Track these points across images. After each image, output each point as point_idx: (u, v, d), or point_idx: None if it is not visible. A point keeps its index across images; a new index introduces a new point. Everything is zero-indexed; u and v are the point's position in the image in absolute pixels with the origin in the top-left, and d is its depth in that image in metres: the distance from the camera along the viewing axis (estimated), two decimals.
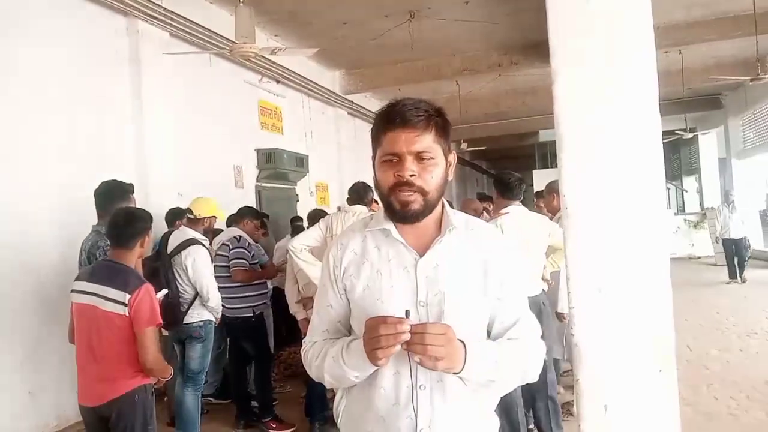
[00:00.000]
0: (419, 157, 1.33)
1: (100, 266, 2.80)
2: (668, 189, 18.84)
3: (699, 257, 15.11)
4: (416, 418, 1.35)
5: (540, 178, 15.01)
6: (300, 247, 4.12)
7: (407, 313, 1.29)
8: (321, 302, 1.51)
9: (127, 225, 2.77)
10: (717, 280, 11.06)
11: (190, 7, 6.27)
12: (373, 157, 1.42)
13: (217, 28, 6.47)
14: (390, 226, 1.41)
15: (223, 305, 4.36)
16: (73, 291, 2.75)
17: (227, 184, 7.38)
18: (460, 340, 1.28)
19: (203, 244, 4.25)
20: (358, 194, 4.35)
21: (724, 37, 8.80)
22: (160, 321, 2.73)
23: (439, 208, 1.43)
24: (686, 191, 19.37)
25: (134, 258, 2.80)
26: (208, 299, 4.13)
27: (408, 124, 1.32)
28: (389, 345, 1.24)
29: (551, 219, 4.58)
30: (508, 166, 22.67)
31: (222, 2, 6.76)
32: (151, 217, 2.90)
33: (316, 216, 5.14)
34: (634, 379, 2.00)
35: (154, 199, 5.76)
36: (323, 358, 1.44)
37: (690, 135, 12.92)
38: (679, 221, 16.04)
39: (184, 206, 5.50)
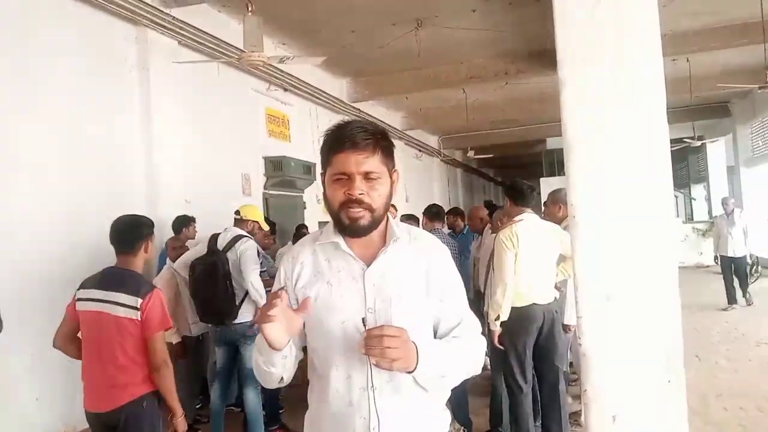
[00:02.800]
0: (367, 177, 1.44)
1: (108, 273, 2.79)
2: (676, 197, 18.74)
3: (707, 266, 14.99)
4: (369, 418, 1.44)
5: (548, 186, 14.96)
6: None
7: (364, 320, 1.43)
8: None
9: (129, 230, 2.79)
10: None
11: (199, 16, 6.32)
12: (323, 175, 1.53)
13: (225, 36, 6.51)
14: (339, 239, 1.52)
15: None
16: (79, 299, 2.75)
17: (235, 192, 7.41)
18: (412, 341, 1.37)
19: (251, 238, 4.45)
20: None
21: (732, 45, 8.78)
22: (171, 324, 2.79)
23: (383, 221, 1.54)
24: (694, 199, 19.27)
25: (140, 263, 2.81)
26: (253, 291, 4.22)
27: (357, 147, 1.43)
28: (267, 310, 1.35)
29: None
30: (515, 173, 22.64)
31: (230, 11, 6.81)
32: (152, 223, 2.91)
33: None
34: (643, 390, 1.98)
35: (162, 206, 5.79)
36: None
37: (698, 143, 12.88)
38: (688, 230, 15.94)
39: (191, 214, 5.54)
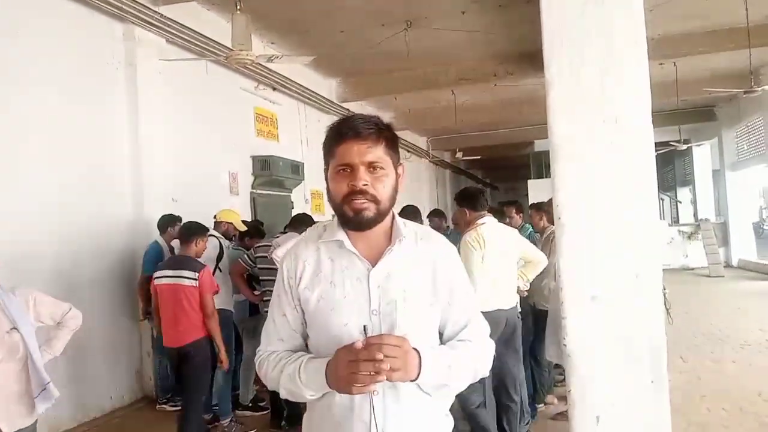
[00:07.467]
0: (371, 167, 1.41)
1: (173, 259, 4.34)
2: (662, 200, 18.88)
3: (693, 268, 15.15)
4: (370, 422, 1.40)
5: (535, 188, 15.06)
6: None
7: (365, 328, 1.37)
8: (276, 311, 1.56)
9: (189, 228, 4.28)
10: (711, 291, 11.07)
11: (187, 14, 6.28)
12: (326, 170, 1.50)
13: (213, 35, 6.47)
14: (343, 237, 1.47)
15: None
16: (156, 278, 4.14)
17: (222, 191, 7.37)
18: (414, 349, 1.34)
19: (216, 237, 5.02)
20: None
21: (718, 49, 8.87)
22: (218, 289, 4.28)
23: (389, 220, 1.49)
24: (680, 202, 19.45)
25: (193, 252, 4.18)
26: None
27: (360, 136, 1.40)
28: (369, 382, 1.28)
29: (541, 237, 4.96)
30: (503, 175, 22.68)
31: (219, 9, 6.77)
32: (206, 228, 4.38)
33: (303, 220, 5.01)
34: (627, 390, 2.00)
35: (149, 204, 5.75)
36: (279, 372, 1.48)
37: (684, 146, 12.95)
38: (673, 232, 16.08)
39: (178, 212, 5.51)
